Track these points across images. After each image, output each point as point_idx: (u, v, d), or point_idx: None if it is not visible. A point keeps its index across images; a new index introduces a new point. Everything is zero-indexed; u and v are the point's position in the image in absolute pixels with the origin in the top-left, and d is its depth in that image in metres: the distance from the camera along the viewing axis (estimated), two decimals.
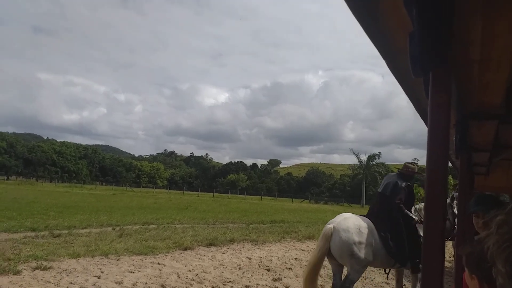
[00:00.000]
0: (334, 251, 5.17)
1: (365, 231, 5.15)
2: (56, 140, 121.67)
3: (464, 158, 2.53)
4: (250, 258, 9.35)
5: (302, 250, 11.24)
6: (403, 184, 5.73)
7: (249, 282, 7.27)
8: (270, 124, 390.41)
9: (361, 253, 5.04)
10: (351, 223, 5.19)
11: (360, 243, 5.05)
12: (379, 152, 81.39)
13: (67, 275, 6.62)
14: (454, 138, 2.30)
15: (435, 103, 1.04)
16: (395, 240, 5.28)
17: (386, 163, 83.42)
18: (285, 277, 7.87)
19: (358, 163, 78.38)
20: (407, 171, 5.96)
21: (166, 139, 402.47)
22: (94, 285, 6.21)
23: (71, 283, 6.21)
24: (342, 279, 5.29)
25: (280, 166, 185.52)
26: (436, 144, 1.04)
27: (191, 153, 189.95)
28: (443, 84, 1.04)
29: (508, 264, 0.74)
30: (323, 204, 58.38)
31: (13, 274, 6.37)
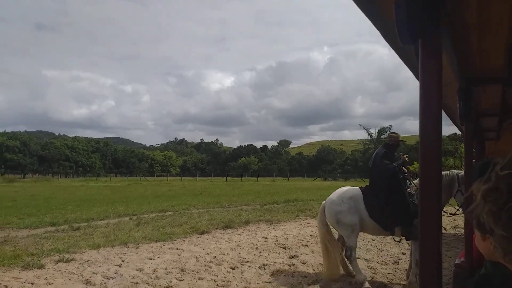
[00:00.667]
0: (328, 222, 6.18)
1: (348, 201, 5.90)
2: (67, 136, 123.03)
3: (469, 125, 2.50)
4: (266, 238, 9.48)
5: (316, 226, 11.33)
6: (382, 152, 6.06)
7: (267, 260, 7.39)
8: (278, 104, 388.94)
9: (345, 220, 5.89)
10: (336, 196, 6.08)
11: (341, 211, 5.89)
12: (390, 125, 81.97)
13: (89, 266, 6.82)
14: (458, 105, 2.27)
15: (425, 70, 1.03)
16: (378, 206, 5.75)
17: None
18: (301, 254, 7.98)
19: (369, 138, 78.04)
20: (391, 141, 6.22)
21: (175, 127, 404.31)
22: (116, 273, 6.39)
23: (93, 273, 6.40)
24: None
25: (291, 146, 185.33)
26: (428, 112, 1.03)
27: (201, 140, 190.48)
28: (433, 51, 1.03)
29: (507, 228, 0.76)
30: (336, 181, 58.39)
31: (37, 268, 6.58)
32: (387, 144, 6.27)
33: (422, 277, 1.04)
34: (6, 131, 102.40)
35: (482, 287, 0.80)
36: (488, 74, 2.12)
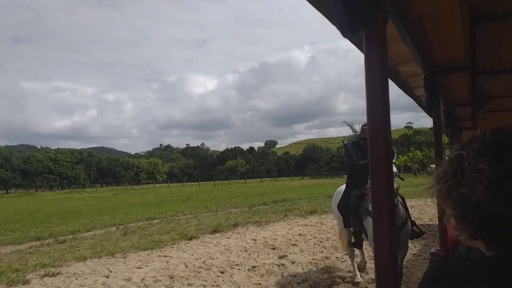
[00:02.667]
0: None
1: (337, 196, 6.23)
2: (50, 148, 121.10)
3: (437, 115, 2.53)
4: (255, 240, 9.47)
5: (305, 225, 11.38)
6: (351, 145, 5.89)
7: (256, 262, 7.38)
8: (263, 105, 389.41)
9: (334, 212, 6.53)
10: (335, 192, 6.53)
11: (334, 205, 6.33)
12: None
13: (76, 278, 6.70)
14: (425, 95, 2.30)
15: (369, 62, 1.02)
16: (340, 202, 5.87)
17: None
18: (290, 253, 7.99)
19: (353, 134, 78.83)
20: (363, 134, 5.89)
21: (160, 134, 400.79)
22: (103, 284, 6.29)
23: (80, 285, 6.29)
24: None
25: (277, 146, 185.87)
26: (374, 106, 1.02)
27: (187, 145, 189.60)
28: (376, 43, 1.02)
29: (454, 205, 0.78)
30: (323, 179, 58.81)
31: (22, 284, 6.45)
32: (361, 137, 5.92)
33: (378, 275, 1.02)
34: None
35: (440, 269, 0.82)
36: (452, 63, 2.15)
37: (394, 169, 4.07)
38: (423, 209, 13.71)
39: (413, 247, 7.87)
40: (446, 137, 5.61)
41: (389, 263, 0.98)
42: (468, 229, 0.79)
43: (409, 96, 3.04)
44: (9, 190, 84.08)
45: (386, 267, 0.99)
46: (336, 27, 1.02)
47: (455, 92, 2.86)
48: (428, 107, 2.39)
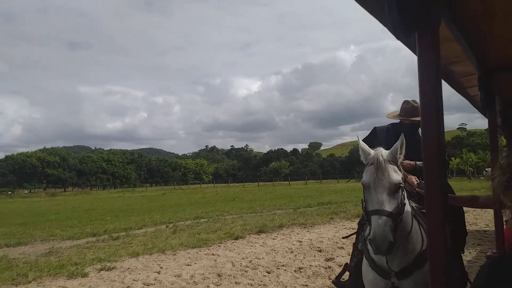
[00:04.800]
0: None
1: None
2: (103, 149, 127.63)
3: (492, 115, 2.43)
4: (300, 241, 9.46)
5: (352, 228, 11.19)
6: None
7: (302, 264, 7.38)
8: (307, 106, 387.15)
9: None
10: None
11: None
12: None
13: (130, 273, 7.05)
14: (479, 95, 2.22)
15: (423, 64, 1.02)
16: None
17: None
18: (337, 256, 7.90)
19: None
20: (401, 116, 4.13)
21: (205, 135, 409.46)
22: (155, 280, 6.57)
23: (134, 280, 6.61)
24: None
25: (322, 148, 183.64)
26: (428, 107, 1.02)
27: (231, 146, 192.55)
28: (430, 44, 1.03)
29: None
30: None
31: (81, 277, 6.87)
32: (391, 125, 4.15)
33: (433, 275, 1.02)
34: (46, 147, 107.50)
35: (497, 264, 0.83)
36: (508, 62, 2.07)
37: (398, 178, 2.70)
38: (478, 214, 13.01)
39: (468, 253, 7.51)
40: (504, 139, 5.25)
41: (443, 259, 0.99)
42: None
43: (462, 95, 2.94)
44: (66, 189, 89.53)
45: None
46: (390, 31, 1.04)
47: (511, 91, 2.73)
48: (483, 107, 2.31)
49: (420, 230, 2.83)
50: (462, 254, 3.82)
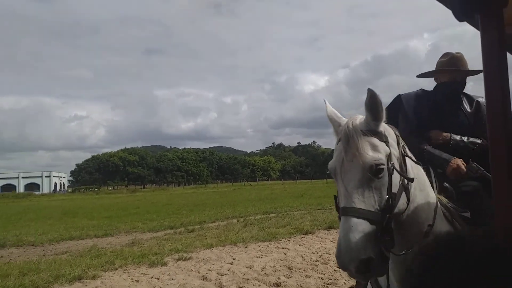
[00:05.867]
0: None
1: None
2: (178, 148, 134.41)
3: None
4: None
5: None
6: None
7: None
8: None
9: None
10: None
11: None
12: None
13: (205, 263, 7.41)
14: None
15: (487, 46, 0.98)
16: None
17: None
18: None
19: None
20: (437, 75, 2.91)
21: (272, 133, 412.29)
22: (228, 270, 6.84)
23: (209, 269, 6.94)
24: None
25: None
26: (493, 91, 0.96)
27: (298, 143, 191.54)
28: (492, 26, 0.98)
29: None
30: None
31: (161, 266, 7.38)
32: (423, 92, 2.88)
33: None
34: (127, 147, 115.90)
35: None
36: None
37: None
38: None
39: None
40: None
41: None
42: None
43: None
44: (145, 186, 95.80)
45: None
46: (452, 11, 1.01)
47: None
48: None
49: None
50: None
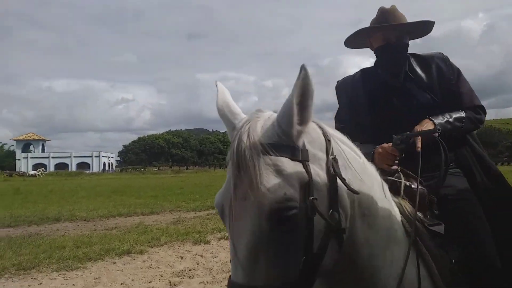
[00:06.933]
0: None
1: None
2: (219, 131, 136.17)
3: None
4: None
5: None
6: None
7: None
8: None
9: None
10: None
11: None
12: None
13: None
14: None
15: None
16: None
17: None
18: None
19: None
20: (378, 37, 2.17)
21: (315, 117, 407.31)
22: None
23: None
24: None
25: None
26: None
27: None
28: None
29: None
30: (502, 166, 50.68)
31: (204, 244, 7.58)
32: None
33: None
34: (171, 130, 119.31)
35: None
36: None
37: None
38: None
39: None
40: None
41: None
42: None
43: None
44: (188, 167, 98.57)
45: None
46: None
47: None
48: None
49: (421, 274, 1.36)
50: None
